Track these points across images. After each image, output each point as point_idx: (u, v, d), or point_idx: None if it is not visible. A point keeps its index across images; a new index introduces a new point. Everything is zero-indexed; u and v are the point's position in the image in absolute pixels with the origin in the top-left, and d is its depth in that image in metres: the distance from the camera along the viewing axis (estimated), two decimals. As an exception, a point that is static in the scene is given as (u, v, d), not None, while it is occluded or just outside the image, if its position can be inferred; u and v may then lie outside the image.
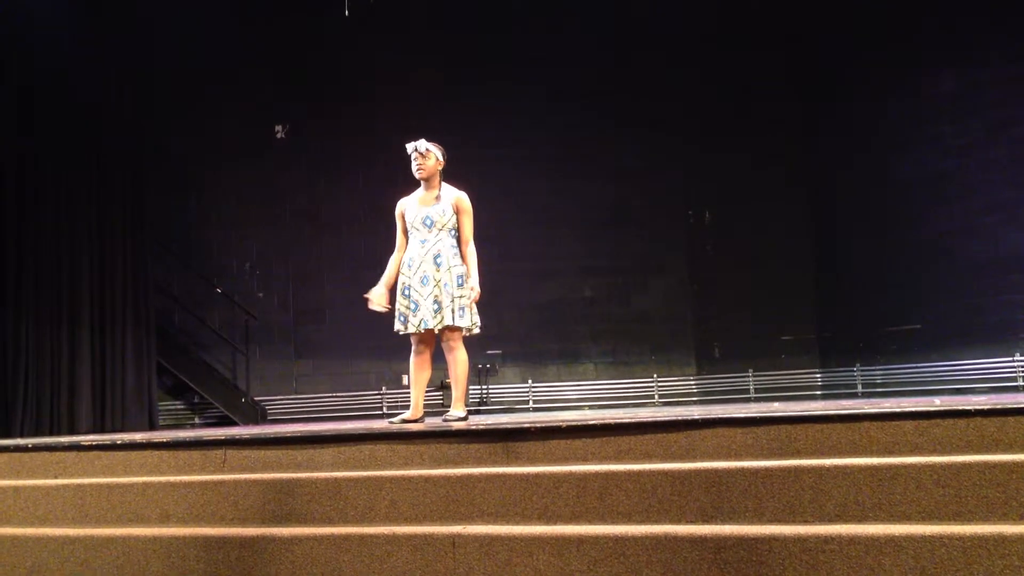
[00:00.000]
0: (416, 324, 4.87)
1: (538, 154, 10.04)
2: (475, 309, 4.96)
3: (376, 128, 9.76)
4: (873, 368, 9.38)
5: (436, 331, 4.92)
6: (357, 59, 10.05)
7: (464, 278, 4.91)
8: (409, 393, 5.10)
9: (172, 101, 9.89)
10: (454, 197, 5.01)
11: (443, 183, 5.07)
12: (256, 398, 9.67)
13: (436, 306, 4.84)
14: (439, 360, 5.07)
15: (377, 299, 5.02)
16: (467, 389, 5.01)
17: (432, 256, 4.89)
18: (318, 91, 10.17)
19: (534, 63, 9.98)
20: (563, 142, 10.07)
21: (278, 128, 10.33)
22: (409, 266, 4.96)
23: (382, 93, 10.00)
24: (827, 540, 2.93)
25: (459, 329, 4.90)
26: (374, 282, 5.07)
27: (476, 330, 5.00)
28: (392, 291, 5.04)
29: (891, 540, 2.88)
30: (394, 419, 4.97)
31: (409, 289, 4.93)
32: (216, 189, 10.32)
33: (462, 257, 4.98)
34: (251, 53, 10.10)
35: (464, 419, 4.87)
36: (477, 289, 4.90)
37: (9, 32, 8.12)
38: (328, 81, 10.15)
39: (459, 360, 4.93)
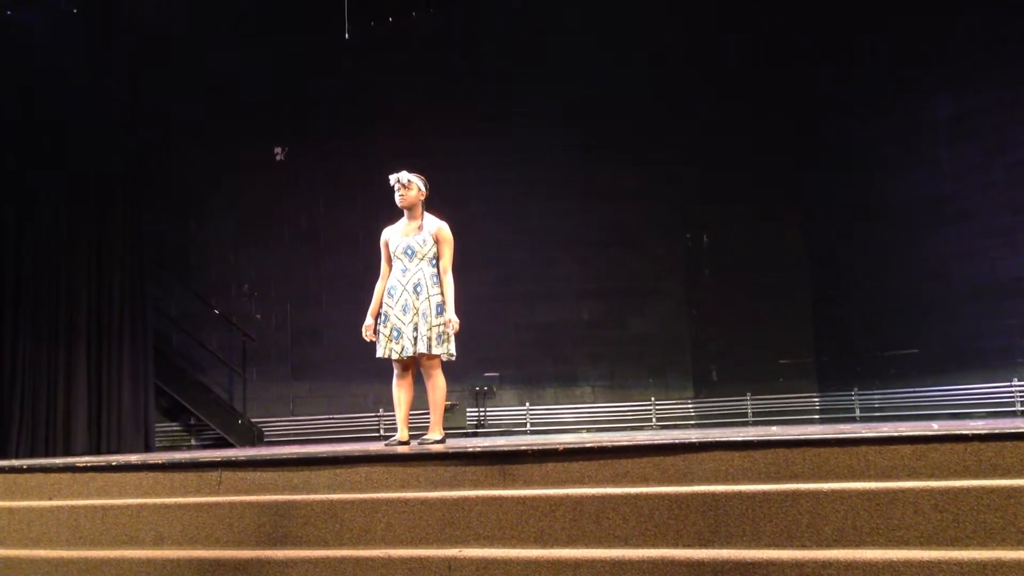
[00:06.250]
0: (399, 351, 5.00)
1: (536, 177, 10.06)
2: (452, 338, 5.05)
3: (375, 150, 9.76)
4: (871, 392, 9.36)
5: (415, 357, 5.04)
6: (357, 81, 10.09)
7: (443, 307, 5.02)
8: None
9: (171, 121, 9.92)
10: (435, 227, 5.13)
11: (425, 213, 5.21)
12: (253, 419, 9.63)
13: (416, 334, 4.95)
14: (421, 383, 5.18)
15: (368, 334, 5.16)
16: (443, 414, 5.16)
17: (412, 285, 5.02)
18: (317, 113, 10.20)
19: (532, 86, 10.02)
20: (561, 165, 10.08)
21: (277, 150, 10.36)
22: (391, 294, 5.10)
23: (381, 115, 10.01)
24: (825, 565, 2.92)
25: (437, 356, 5.02)
26: (371, 304, 5.13)
27: (452, 357, 5.08)
28: (377, 319, 5.16)
29: (889, 565, 2.87)
30: (391, 441, 5.12)
31: (387, 317, 5.06)
32: (215, 210, 10.32)
33: (441, 286, 5.07)
34: (251, 74, 10.15)
35: (441, 442, 4.99)
36: (455, 320, 4.99)
37: (9, 56, 8.18)
38: (327, 103, 10.18)
39: (437, 387, 5.07)
